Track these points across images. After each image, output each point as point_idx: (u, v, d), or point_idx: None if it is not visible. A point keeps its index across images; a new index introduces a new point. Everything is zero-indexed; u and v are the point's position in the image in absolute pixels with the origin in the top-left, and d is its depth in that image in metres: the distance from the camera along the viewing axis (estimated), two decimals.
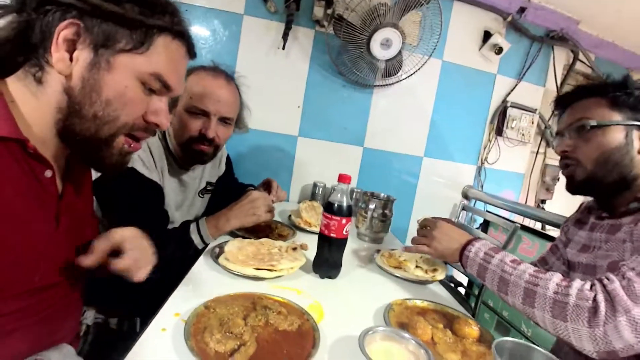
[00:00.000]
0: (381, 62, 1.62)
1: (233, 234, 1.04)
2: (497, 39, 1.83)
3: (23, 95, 0.49)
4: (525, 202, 2.16)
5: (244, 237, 0.97)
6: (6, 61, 0.48)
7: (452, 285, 1.84)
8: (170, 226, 1.01)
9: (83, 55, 0.48)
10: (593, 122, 0.74)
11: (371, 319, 0.73)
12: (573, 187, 0.81)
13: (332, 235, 0.86)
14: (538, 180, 2.23)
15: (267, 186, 1.30)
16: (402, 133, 1.89)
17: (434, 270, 0.98)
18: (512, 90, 1.98)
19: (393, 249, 1.12)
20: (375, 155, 1.88)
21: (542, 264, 0.95)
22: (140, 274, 0.60)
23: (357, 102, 1.81)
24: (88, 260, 0.55)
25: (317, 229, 1.02)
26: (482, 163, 2.03)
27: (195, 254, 0.91)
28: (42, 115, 0.49)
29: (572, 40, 1.99)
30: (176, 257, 0.90)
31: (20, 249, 0.48)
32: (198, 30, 1.60)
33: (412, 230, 1.93)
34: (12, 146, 0.46)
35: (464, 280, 1.87)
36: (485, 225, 1.88)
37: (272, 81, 1.70)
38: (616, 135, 0.73)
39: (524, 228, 1.59)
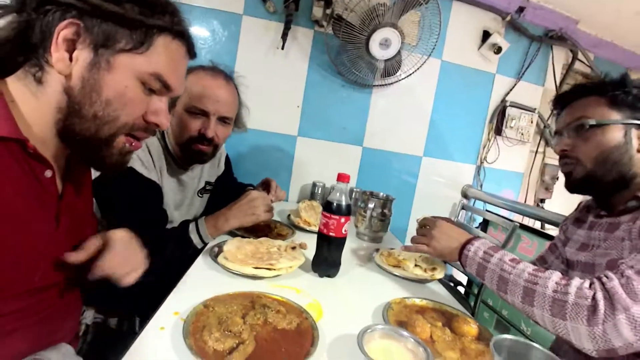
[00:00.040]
0: (380, 62, 1.62)
1: (232, 234, 1.04)
2: (496, 38, 1.83)
3: (23, 95, 0.49)
4: (525, 201, 2.16)
5: (243, 237, 0.97)
6: (6, 61, 0.48)
7: (452, 284, 1.84)
8: (169, 226, 1.01)
9: (83, 55, 0.48)
10: (592, 121, 0.75)
11: (370, 317, 0.73)
12: (572, 186, 0.81)
13: (331, 234, 0.86)
14: (537, 179, 2.23)
15: (266, 186, 1.30)
16: (401, 133, 1.89)
17: (433, 269, 0.98)
18: (511, 90, 1.98)
19: (392, 248, 1.12)
20: (374, 154, 1.88)
21: (541, 262, 0.96)
22: (129, 278, 0.59)
23: (356, 102, 1.81)
24: (74, 257, 0.54)
25: (316, 229, 1.02)
26: (482, 162, 2.03)
27: (195, 253, 0.91)
28: (42, 115, 0.49)
29: (571, 39, 1.99)
30: (175, 256, 0.91)
31: (20, 249, 0.48)
32: (197, 31, 1.59)
33: (412, 230, 1.92)
34: (12, 146, 0.46)
35: (464, 279, 1.87)
36: (484, 225, 1.88)
37: (272, 81, 1.70)
38: (615, 134, 0.73)
39: (523, 227, 1.59)
